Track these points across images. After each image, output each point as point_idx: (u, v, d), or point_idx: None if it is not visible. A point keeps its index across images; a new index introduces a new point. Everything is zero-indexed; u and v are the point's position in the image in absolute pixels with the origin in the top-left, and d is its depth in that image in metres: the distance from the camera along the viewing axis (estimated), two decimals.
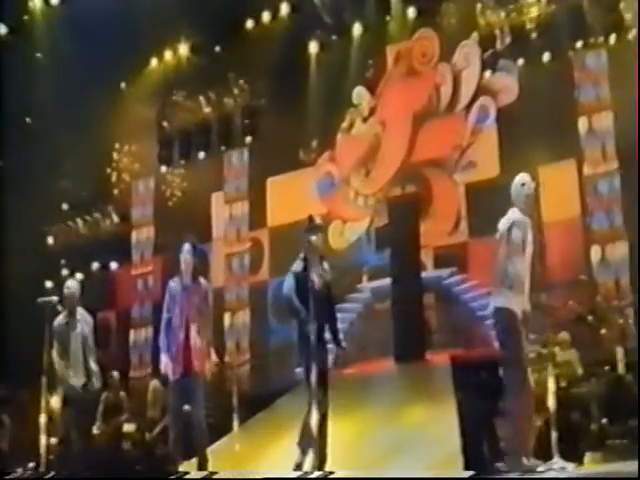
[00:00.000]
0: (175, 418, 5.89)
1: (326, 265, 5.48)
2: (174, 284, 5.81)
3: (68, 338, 6.32)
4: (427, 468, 5.59)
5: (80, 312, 6.53)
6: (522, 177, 4.99)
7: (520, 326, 4.76)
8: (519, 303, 4.78)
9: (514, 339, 4.74)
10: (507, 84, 9.40)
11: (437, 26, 10.04)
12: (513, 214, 4.84)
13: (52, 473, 6.27)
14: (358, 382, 7.96)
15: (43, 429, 6.40)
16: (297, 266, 5.42)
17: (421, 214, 9.34)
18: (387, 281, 9.08)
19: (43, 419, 6.44)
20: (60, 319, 6.43)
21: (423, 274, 9.07)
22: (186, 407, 5.86)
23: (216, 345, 10.12)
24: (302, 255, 5.43)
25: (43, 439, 6.40)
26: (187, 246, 5.84)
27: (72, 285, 6.59)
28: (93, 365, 6.40)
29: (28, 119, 11.75)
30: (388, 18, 10.41)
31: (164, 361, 5.73)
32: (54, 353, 6.29)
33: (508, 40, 9.47)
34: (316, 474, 5.09)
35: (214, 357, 5.90)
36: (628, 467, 4.68)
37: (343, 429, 6.16)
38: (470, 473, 4.95)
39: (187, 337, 5.73)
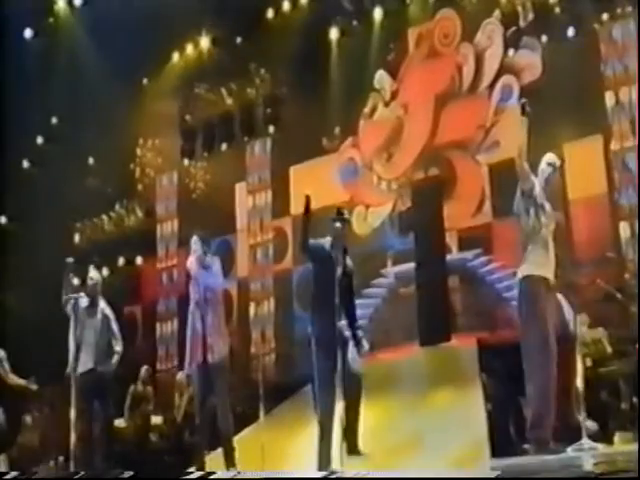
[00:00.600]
0: (198, 408, 5.88)
1: (349, 260, 5.38)
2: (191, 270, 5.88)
3: (84, 326, 6.37)
4: (454, 452, 5.48)
5: (102, 302, 6.59)
6: (548, 157, 4.87)
7: (546, 296, 4.59)
8: (549, 271, 4.63)
9: (538, 309, 4.57)
10: (531, 62, 9.19)
11: (458, 6, 9.87)
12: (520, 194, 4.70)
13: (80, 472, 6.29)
14: (384, 367, 7.85)
15: (72, 423, 6.43)
16: (326, 243, 5.32)
17: (444, 197, 9.21)
18: (411, 265, 8.98)
19: (72, 414, 6.49)
20: (81, 307, 6.48)
21: (447, 257, 8.95)
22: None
23: (240, 334, 10.41)
24: (330, 239, 5.33)
25: (72, 433, 6.44)
26: (195, 238, 5.98)
27: (94, 275, 6.69)
28: (118, 347, 6.45)
29: (53, 119, 11.91)
30: (408, 1, 10.26)
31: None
32: (70, 340, 6.34)
33: (531, 17, 9.26)
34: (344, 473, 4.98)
35: (224, 347, 5.85)
36: None
37: (369, 415, 6.07)
38: (497, 461, 4.80)
39: (203, 327, 5.75)
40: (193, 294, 5.84)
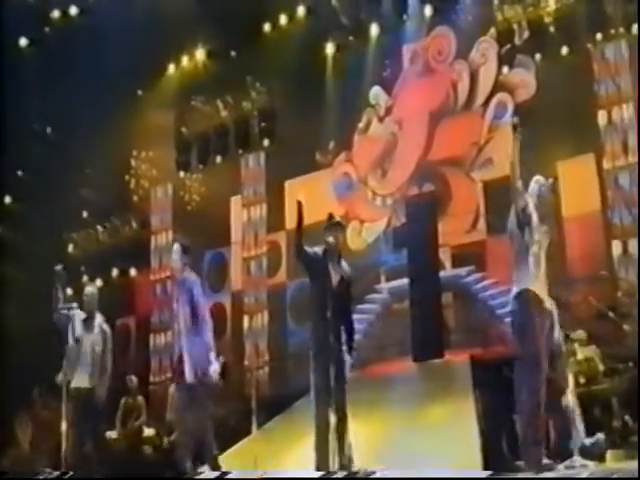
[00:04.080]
0: (181, 423, 5.78)
1: (345, 265, 5.36)
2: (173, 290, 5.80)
3: (80, 340, 6.36)
4: (446, 468, 5.49)
5: (98, 318, 6.59)
6: (537, 177, 4.94)
7: (540, 313, 4.62)
8: (542, 288, 4.67)
9: (531, 326, 4.60)
10: (525, 79, 9.29)
11: (453, 24, 9.96)
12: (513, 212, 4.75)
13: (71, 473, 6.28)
14: (377, 382, 7.88)
15: (63, 433, 6.42)
16: (317, 251, 5.27)
17: (439, 213, 9.26)
18: (405, 281, 9.01)
19: (64, 424, 6.46)
20: (77, 320, 6.47)
21: (441, 273, 8.99)
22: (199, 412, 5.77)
23: (234, 348, 10.38)
24: (322, 249, 5.29)
25: (64, 443, 6.42)
26: (175, 246, 5.76)
27: (91, 291, 6.67)
28: (108, 367, 6.42)
29: (48, 129, 11.90)
30: (405, 17, 10.35)
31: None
32: (67, 351, 6.33)
33: (526, 35, 9.36)
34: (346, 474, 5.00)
35: (215, 362, 5.67)
36: None
37: (362, 429, 6.08)
38: (489, 473, 4.83)
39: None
40: (175, 306, 5.71)
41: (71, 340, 6.41)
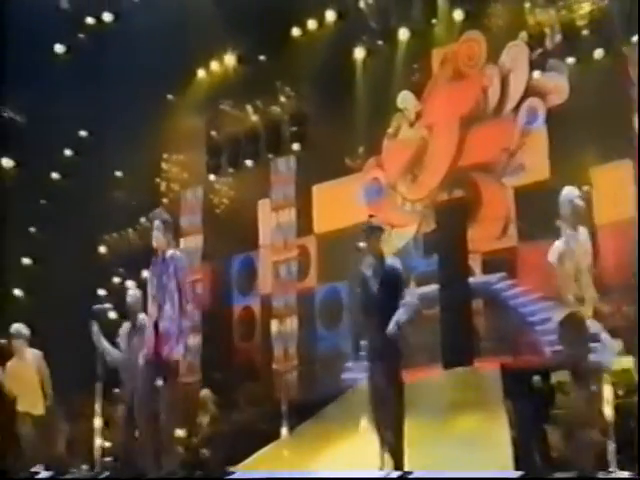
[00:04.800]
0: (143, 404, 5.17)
1: (390, 261, 5.32)
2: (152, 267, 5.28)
3: (128, 348, 6.37)
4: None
5: (141, 319, 6.61)
6: (569, 191, 4.89)
7: (586, 331, 4.63)
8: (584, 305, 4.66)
9: (581, 344, 4.61)
10: (557, 84, 9.20)
11: (484, 28, 9.91)
12: (560, 243, 4.73)
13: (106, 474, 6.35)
14: (406, 389, 7.85)
15: (98, 433, 6.49)
16: (362, 267, 5.33)
17: (469, 219, 9.21)
18: (435, 287, 8.96)
19: (98, 423, 6.54)
20: (125, 326, 6.52)
21: (471, 280, 8.93)
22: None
23: (262, 351, 10.38)
24: (367, 256, 5.33)
25: (97, 442, 6.50)
26: (157, 223, 5.35)
27: (134, 294, 6.67)
28: None
29: (82, 133, 12.06)
30: (434, 21, 10.31)
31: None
32: (117, 357, 6.34)
33: (558, 38, 9.25)
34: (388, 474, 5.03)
35: (180, 346, 5.10)
36: None
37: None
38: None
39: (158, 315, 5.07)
40: (151, 284, 5.23)
41: (116, 351, 6.42)
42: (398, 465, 5.18)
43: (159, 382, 4.94)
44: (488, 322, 9.05)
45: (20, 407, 6.76)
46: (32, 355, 6.86)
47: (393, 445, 5.21)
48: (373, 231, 5.34)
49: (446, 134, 10.03)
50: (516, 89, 9.56)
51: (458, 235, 8.87)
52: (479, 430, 6.66)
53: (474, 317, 8.85)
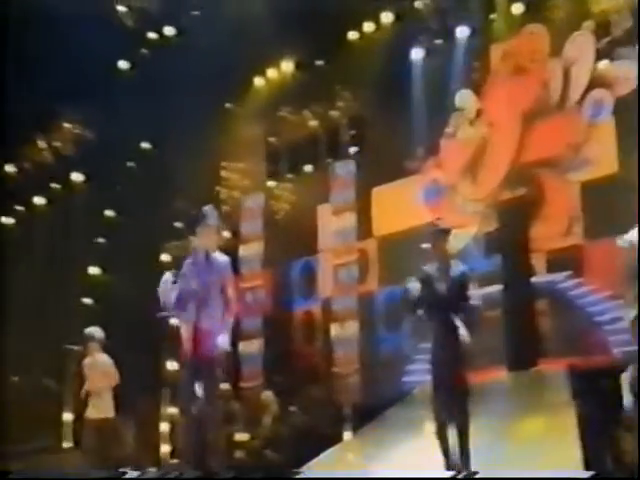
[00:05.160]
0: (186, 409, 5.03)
1: (456, 266, 5.27)
2: (189, 261, 5.12)
3: None
4: None
5: None
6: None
7: None
8: None
9: None
10: (624, 73, 8.86)
11: (545, 20, 9.65)
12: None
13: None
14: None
15: (164, 436, 6.57)
16: (423, 272, 5.30)
17: (532, 217, 8.98)
18: (497, 288, 8.76)
19: (164, 427, 6.61)
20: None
21: (535, 279, 8.70)
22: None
23: (323, 355, 10.38)
24: (434, 259, 5.31)
25: (163, 445, 6.58)
26: (204, 220, 5.10)
27: None
28: None
29: (145, 145, 12.37)
30: (493, 17, 10.14)
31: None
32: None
33: (627, 25, 8.89)
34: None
35: (224, 343, 4.96)
36: None
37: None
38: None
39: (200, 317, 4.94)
40: (193, 281, 5.02)
41: None
42: (465, 466, 5.05)
43: (201, 381, 4.89)
44: (553, 322, 8.77)
45: (90, 409, 6.89)
46: (104, 359, 6.99)
47: (459, 446, 5.09)
48: (439, 234, 5.31)
49: (507, 131, 9.81)
50: (580, 81, 9.26)
51: (521, 234, 8.67)
52: (546, 433, 6.48)
53: (538, 317, 8.62)
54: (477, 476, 4.92)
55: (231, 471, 7.28)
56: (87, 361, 6.94)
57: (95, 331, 7.07)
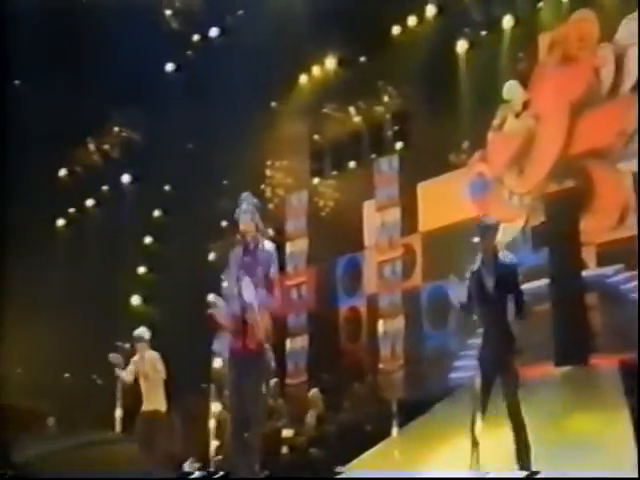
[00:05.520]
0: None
1: (504, 259, 5.15)
2: (237, 250, 4.83)
3: None
4: None
5: None
6: None
7: None
8: None
9: None
10: None
11: (595, 5, 9.36)
12: None
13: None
14: None
15: (211, 432, 6.60)
16: (474, 266, 5.21)
17: (581, 209, 8.73)
18: (545, 282, 8.56)
19: (212, 423, 6.64)
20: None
21: (585, 273, 8.46)
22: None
23: (369, 351, 10.30)
24: (479, 255, 5.20)
25: (211, 441, 6.61)
26: (244, 206, 4.83)
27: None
28: None
29: (191, 145, 12.53)
30: (540, 5, 9.91)
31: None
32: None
33: None
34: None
35: (262, 335, 4.67)
36: None
37: (502, 437, 5.82)
38: None
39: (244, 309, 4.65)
40: (238, 272, 4.71)
41: None
42: (523, 463, 4.92)
43: (248, 376, 4.71)
44: (604, 317, 8.51)
45: (144, 402, 7.03)
46: (152, 355, 7.13)
47: (515, 444, 4.97)
48: (487, 229, 5.20)
49: (555, 122, 9.58)
50: (634, 66, 8.92)
51: (570, 227, 8.45)
52: (597, 431, 6.27)
53: (588, 312, 8.38)
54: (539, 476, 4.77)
55: (275, 468, 7.30)
56: (136, 358, 7.09)
57: (143, 332, 7.22)
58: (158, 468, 6.77)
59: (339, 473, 6.66)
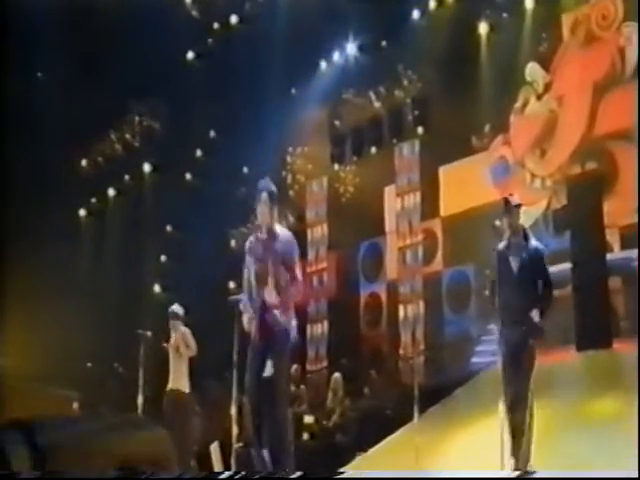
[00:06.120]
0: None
1: (533, 243, 5.10)
2: (252, 239, 4.81)
3: None
4: (622, 471, 4.99)
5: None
6: None
7: None
8: None
9: None
10: None
11: None
12: None
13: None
14: (537, 372, 7.44)
15: (234, 420, 6.63)
16: (501, 245, 5.15)
17: (604, 192, 8.57)
18: (568, 266, 8.42)
19: (234, 411, 6.66)
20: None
21: (608, 256, 8.32)
22: None
23: (389, 336, 10.26)
24: (507, 235, 5.13)
25: (234, 430, 6.64)
26: (263, 195, 4.76)
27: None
28: None
29: (212, 132, 12.55)
30: None
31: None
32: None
33: None
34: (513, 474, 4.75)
35: (280, 317, 4.61)
36: None
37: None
38: None
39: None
40: (255, 260, 4.68)
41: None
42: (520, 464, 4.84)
43: (268, 364, 4.66)
44: (628, 300, 8.36)
45: (170, 382, 7.12)
46: (184, 331, 7.24)
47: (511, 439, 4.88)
48: (512, 209, 5.10)
49: (577, 104, 9.43)
50: None
51: (593, 210, 8.29)
52: (619, 415, 6.17)
53: (612, 296, 8.25)
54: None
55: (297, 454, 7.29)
56: (173, 335, 7.21)
57: (177, 309, 7.31)
58: (183, 450, 6.82)
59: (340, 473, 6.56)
